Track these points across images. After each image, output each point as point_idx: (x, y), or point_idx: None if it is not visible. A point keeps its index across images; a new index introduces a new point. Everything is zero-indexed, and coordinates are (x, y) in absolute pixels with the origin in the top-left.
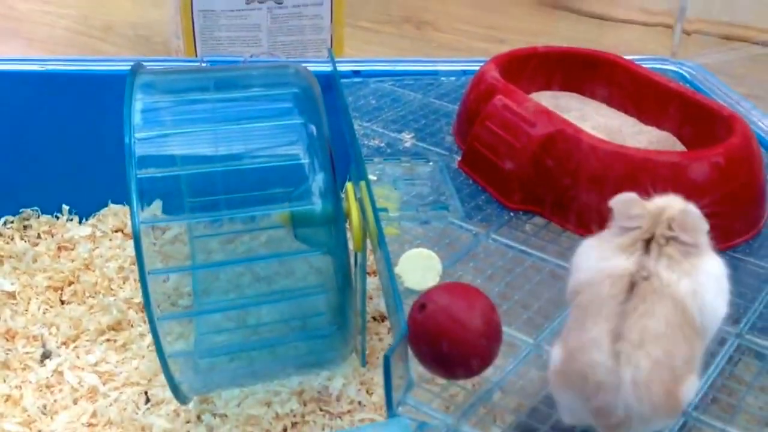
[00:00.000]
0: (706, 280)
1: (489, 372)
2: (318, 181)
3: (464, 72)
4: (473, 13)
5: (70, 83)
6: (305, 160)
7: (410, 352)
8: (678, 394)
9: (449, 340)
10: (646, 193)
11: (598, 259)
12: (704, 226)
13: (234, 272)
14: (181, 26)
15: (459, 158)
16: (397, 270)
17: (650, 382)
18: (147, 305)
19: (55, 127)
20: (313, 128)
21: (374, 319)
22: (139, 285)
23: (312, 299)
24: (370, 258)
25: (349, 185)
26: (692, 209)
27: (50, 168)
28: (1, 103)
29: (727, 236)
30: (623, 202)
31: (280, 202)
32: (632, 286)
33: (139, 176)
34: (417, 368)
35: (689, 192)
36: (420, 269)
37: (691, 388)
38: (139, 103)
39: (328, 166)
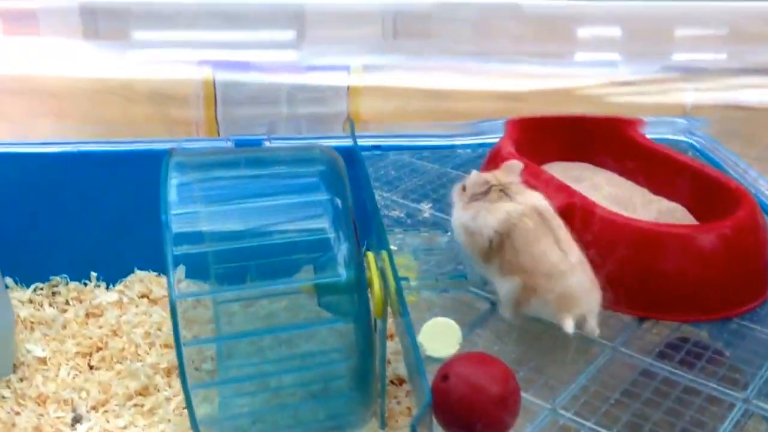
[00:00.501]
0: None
1: None
2: (343, 251)
3: (480, 145)
4: None
5: (97, 161)
6: (331, 234)
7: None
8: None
9: (471, 409)
10: (654, 264)
11: (486, 213)
12: (519, 166)
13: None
14: (202, 99)
15: None
16: (419, 338)
17: (584, 261)
18: (183, 376)
19: (83, 200)
20: (338, 202)
21: (392, 382)
22: (164, 351)
23: (334, 364)
24: (389, 322)
25: (369, 254)
26: (512, 161)
27: (78, 237)
28: (35, 180)
29: (735, 304)
30: (475, 178)
31: (306, 272)
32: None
33: (175, 253)
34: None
35: (698, 263)
36: (441, 338)
37: None
38: (174, 181)
39: (351, 236)
